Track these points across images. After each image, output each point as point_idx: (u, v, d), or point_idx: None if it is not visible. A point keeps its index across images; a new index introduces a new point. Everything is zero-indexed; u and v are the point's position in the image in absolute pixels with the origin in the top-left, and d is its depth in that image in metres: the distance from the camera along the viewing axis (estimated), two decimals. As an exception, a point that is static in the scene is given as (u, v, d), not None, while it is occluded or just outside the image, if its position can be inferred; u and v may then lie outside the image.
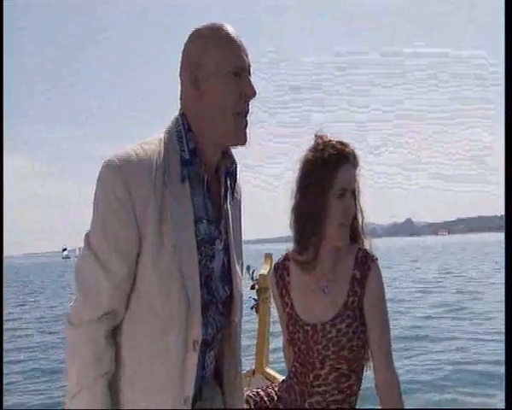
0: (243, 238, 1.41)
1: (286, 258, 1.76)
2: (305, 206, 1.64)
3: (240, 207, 1.39)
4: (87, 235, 1.15)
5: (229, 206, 1.30)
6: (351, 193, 1.62)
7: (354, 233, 1.68)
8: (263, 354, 2.60)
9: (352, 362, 1.61)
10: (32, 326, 14.45)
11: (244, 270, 2.15)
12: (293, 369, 1.72)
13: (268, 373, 2.50)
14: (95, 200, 1.14)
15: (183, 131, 1.20)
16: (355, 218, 1.67)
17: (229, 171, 1.28)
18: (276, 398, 1.77)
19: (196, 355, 1.17)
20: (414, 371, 7.10)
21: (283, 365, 1.91)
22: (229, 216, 1.30)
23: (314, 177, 1.62)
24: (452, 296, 15.60)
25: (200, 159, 1.20)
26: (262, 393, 1.81)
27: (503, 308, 1.66)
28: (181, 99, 1.24)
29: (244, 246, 1.42)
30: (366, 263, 1.63)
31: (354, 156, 1.64)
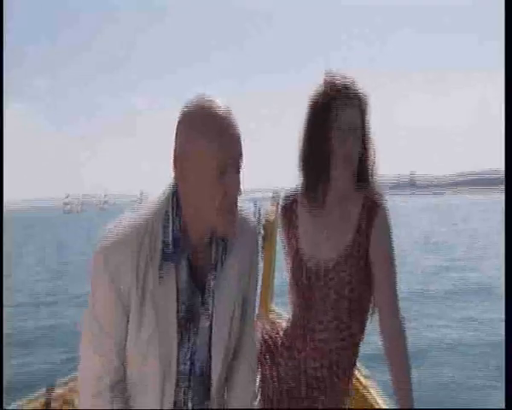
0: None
1: (294, 200, 1.74)
2: (308, 150, 1.62)
3: (242, 261, 1.33)
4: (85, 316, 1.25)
5: (221, 269, 1.28)
6: (353, 136, 1.58)
7: (361, 177, 1.64)
8: (267, 297, 2.60)
9: (353, 311, 1.61)
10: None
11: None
12: (296, 313, 1.72)
13: (272, 315, 2.51)
14: (91, 285, 1.22)
15: (171, 215, 1.21)
16: (363, 162, 1.63)
17: (219, 245, 1.28)
18: (280, 342, 1.77)
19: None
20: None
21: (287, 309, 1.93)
22: (221, 281, 1.28)
23: (316, 120, 1.60)
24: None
25: (184, 242, 1.21)
26: (266, 336, 1.81)
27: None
28: (175, 177, 1.21)
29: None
30: (372, 210, 1.60)
31: (357, 98, 1.59)
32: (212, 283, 1.27)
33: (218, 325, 1.29)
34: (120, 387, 1.24)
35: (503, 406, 1.38)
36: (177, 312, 1.22)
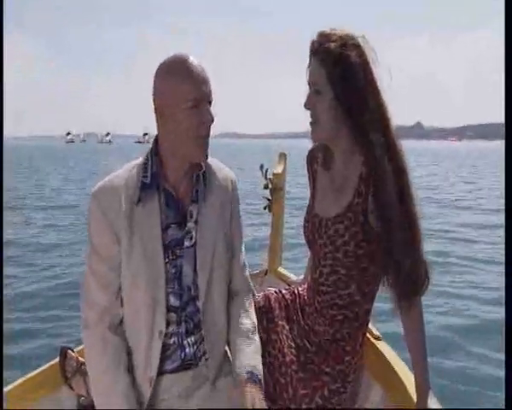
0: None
1: (316, 147, 1.75)
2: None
3: (228, 209, 1.59)
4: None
5: (203, 205, 1.52)
6: (314, 94, 1.54)
7: (359, 138, 1.56)
8: (276, 254, 2.59)
9: (350, 268, 1.59)
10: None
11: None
12: (308, 272, 1.77)
13: (281, 273, 2.50)
14: (87, 221, 1.48)
15: (150, 157, 1.48)
16: (356, 120, 1.53)
17: (198, 177, 1.52)
18: (296, 301, 1.80)
19: (161, 342, 1.46)
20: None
21: (296, 266, 1.90)
22: (201, 215, 1.51)
23: None
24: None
25: (164, 177, 1.47)
26: (284, 291, 1.86)
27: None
28: (156, 123, 1.47)
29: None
30: (370, 176, 1.53)
31: (322, 52, 1.51)
32: (193, 212, 1.50)
33: (202, 246, 1.50)
34: (119, 324, 1.47)
35: (503, 406, 1.37)
36: (163, 238, 1.45)
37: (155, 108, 1.43)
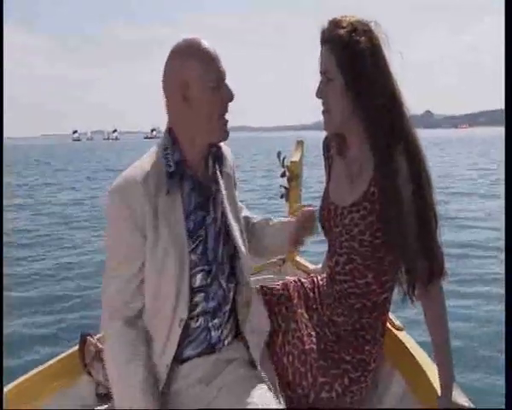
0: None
1: (331, 134, 1.72)
2: None
3: (233, 179, 1.66)
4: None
5: (220, 182, 1.57)
6: (324, 82, 1.52)
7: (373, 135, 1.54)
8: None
9: (367, 258, 1.57)
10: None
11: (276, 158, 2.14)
12: (325, 260, 1.77)
13: (298, 262, 2.48)
14: (107, 221, 1.47)
15: (170, 145, 1.48)
16: (369, 114, 1.51)
17: (216, 155, 1.57)
18: (314, 289, 1.80)
19: (180, 330, 1.46)
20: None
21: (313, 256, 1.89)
22: (222, 190, 1.56)
23: None
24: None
25: (185, 164, 1.48)
26: (303, 279, 1.86)
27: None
28: (168, 113, 1.49)
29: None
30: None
31: (331, 40, 1.50)
32: (213, 190, 1.54)
33: (229, 218, 1.56)
34: (139, 316, 1.47)
35: (503, 406, 1.36)
36: (187, 224, 1.46)
37: (173, 95, 1.44)
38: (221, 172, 1.59)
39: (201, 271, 1.51)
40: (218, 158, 1.58)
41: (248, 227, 1.78)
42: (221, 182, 1.58)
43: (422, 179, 1.49)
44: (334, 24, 1.51)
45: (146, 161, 1.49)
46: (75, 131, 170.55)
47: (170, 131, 1.50)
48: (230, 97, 1.47)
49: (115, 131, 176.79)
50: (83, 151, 58.46)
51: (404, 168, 1.47)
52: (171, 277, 1.44)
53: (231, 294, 1.59)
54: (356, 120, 1.54)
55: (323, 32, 1.53)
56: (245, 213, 1.81)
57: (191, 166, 1.50)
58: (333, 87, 1.52)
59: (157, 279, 1.45)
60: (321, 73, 1.55)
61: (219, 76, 1.44)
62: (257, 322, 1.63)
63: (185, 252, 1.46)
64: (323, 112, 1.57)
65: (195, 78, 1.41)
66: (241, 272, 1.59)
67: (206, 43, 1.43)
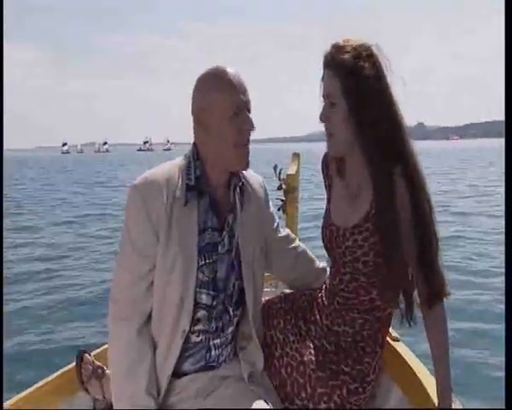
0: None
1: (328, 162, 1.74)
2: None
3: (258, 210, 1.64)
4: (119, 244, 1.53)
5: (239, 214, 1.56)
6: (329, 106, 1.53)
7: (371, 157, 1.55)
8: None
9: (370, 277, 1.58)
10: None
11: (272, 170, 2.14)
12: (327, 266, 1.78)
13: None
14: (125, 216, 1.49)
15: (192, 160, 1.51)
16: (371, 136, 1.52)
17: (236, 187, 1.56)
18: (314, 301, 1.79)
19: (182, 342, 1.48)
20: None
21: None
22: (239, 223, 1.56)
23: None
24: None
25: (205, 181, 1.50)
26: (302, 292, 1.85)
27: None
28: (194, 132, 1.52)
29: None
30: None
31: (336, 65, 1.50)
32: (230, 221, 1.54)
33: (242, 251, 1.56)
34: (147, 320, 1.48)
35: (504, 406, 1.37)
36: (199, 241, 1.48)
37: (196, 119, 1.49)
38: (242, 204, 1.57)
39: (207, 293, 1.52)
40: (240, 190, 1.57)
41: (298, 261, 1.83)
42: (239, 214, 1.57)
43: (422, 203, 1.50)
44: (338, 49, 1.51)
45: (169, 167, 1.52)
46: (65, 144, 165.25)
47: (195, 145, 1.53)
48: (249, 127, 1.48)
49: (105, 143, 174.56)
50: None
51: (403, 192, 1.48)
52: (177, 286, 1.46)
53: (237, 318, 1.61)
54: (357, 143, 1.55)
55: (326, 57, 1.53)
56: (295, 244, 1.84)
57: (211, 185, 1.52)
58: (336, 112, 1.52)
59: (164, 286, 1.47)
60: (323, 96, 1.56)
61: (238, 105, 1.45)
62: (253, 359, 1.62)
63: (193, 265, 1.48)
64: (327, 135, 1.58)
65: (213, 105, 1.44)
66: (248, 309, 1.59)
67: (229, 72, 1.46)
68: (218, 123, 1.44)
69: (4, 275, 6.25)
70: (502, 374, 1.41)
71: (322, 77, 1.56)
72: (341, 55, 1.49)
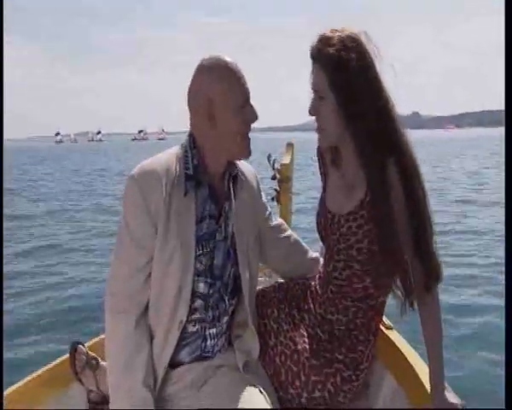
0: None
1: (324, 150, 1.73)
2: None
3: (253, 202, 1.67)
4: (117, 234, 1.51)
5: (233, 203, 1.57)
6: (316, 99, 1.52)
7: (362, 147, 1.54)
8: None
9: (364, 264, 1.58)
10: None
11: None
12: (320, 254, 1.79)
13: None
14: (123, 206, 1.48)
15: (189, 149, 1.50)
16: (361, 126, 1.51)
17: (232, 176, 1.57)
18: (308, 290, 1.79)
19: (179, 332, 1.48)
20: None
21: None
22: (234, 212, 1.57)
23: None
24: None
25: (203, 171, 1.49)
26: (295, 281, 1.86)
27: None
28: (191, 125, 1.51)
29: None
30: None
31: (322, 57, 1.48)
32: (227, 208, 1.55)
33: (239, 240, 1.57)
34: (145, 311, 1.48)
35: (503, 406, 1.38)
36: (196, 230, 1.48)
37: (198, 109, 1.46)
38: (235, 193, 1.59)
39: (205, 281, 1.53)
40: (234, 179, 1.59)
41: (291, 251, 1.84)
42: (233, 202, 1.58)
43: (416, 192, 1.49)
44: (324, 41, 1.48)
45: (167, 157, 1.51)
46: (57, 133, 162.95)
47: (191, 135, 1.52)
48: (254, 118, 1.50)
49: (99, 132, 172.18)
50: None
51: (396, 181, 1.48)
52: (175, 277, 1.46)
53: (232, 307, 1.62)
54: (348, 134, 1.54)
55: (313, 50, 1.51)
56: (288, 233, 1.84)
57: (209, 173, 1.52)
58: (325, 105, 1.51)
59: (162, 277, 1.47)
60: (312, 89, 1.55)
61: (244, 96, 1.47)
62: (248, 347, 1.62)
63: (191, 256, 1.48)
64: (317, 129, 1.57)
65: (221, 97, 1.44)
66: (244, 296, 1.60)
67: (232, 63, 1.46)
68: (225, 114, 1.44)
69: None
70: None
71: (312, 70, 1.54)
72: (327, 49, 1.47)
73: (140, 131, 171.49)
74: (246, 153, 1.53)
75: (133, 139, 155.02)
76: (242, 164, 1.66)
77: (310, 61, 1.53)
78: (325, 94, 1.51)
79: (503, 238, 1.56)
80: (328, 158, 1.72)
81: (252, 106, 1.50)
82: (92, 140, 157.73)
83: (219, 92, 1.43)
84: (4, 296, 5.39)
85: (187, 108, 1.51)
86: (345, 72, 1.46)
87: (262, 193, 1.76)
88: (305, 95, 1.57)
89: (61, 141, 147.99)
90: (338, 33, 1.48)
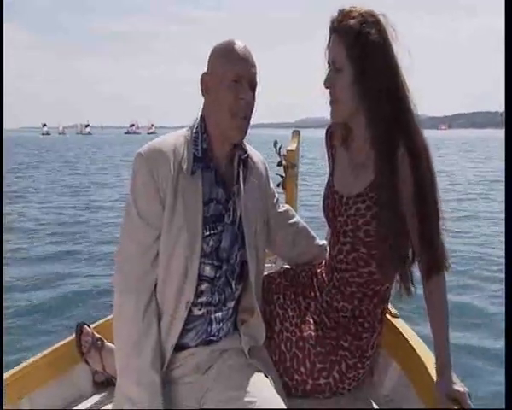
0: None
1: (335, 124, 1.71)
2: None
3: (262, 188, 1.67)
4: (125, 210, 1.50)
5: (242, 187, 1.56)
6: (333, 73, 1.52)
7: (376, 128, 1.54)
8: None
9: (371, 247, 1.58)
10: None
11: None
12: (326, 240, 1.78)
13: None
14: (131, 183, 1.47)
15: (200, 132, 1.51)
16: (376, 107, 1.51)
17: (241, 159, 1.56)
18: (315, 277, 1.80)
19: (186, 313, 1.47)
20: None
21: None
22: (242, 195, 1.56)
23: None
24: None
25: (211, 155, 1.50)
26: (301, 268, 1.86)
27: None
28: (202, 108, 1.54)
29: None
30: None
31: (341, 31, 1.49)
32: (235, 192, 1.54)
33: (247, 224, 1.56)
34: (153, 291, 1.46)
35: (504, 406, 1.37)
36: (203, 211, 1.47)
37: (201, 85, 1.51)
38: (244, 178, 1.58)
39: (211, 264, 1.52)
40: (244, 164, 1.58)
41: (298, 237, 1.84)
42: (242, 188, 1.57)
43: (424, 175, 1.49)
44: (344, 14, 1.50)
45: (175, 137, 1.52)
46: (44, 125, 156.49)
47: (202, 118, 1.54)
48: (246, 98, 1.46)
49: (88, 125, 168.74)
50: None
51: (405, 163, 1.47)
52: (182, 257, 1.45)
53: (238, 292, 1.61)
54: (361, 111, 1.54)
55: (333, 22, 1.52)
56: (295, 219, 1.84)
57: (217, 157, 1.52)
58: (341, 78, 1.51)
59: (168, 258, 1.45)
60: (329, 63, 1.54)
61: (239, 74, 1.46)
62: (254, 332, 1.61)
63: (198, 237, 1.47)
64: (331, 102, 1.56)
65: (217, 70, 1.47)
66: (251, 282, 1.59)
67: (238, 44, 1.48)
68: (216, 87, 1.46)
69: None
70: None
71: (328, 43, 1.55)
72: (348, 21, 1.48)
73: (132, 125, 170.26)
74: (235, 133, 1.49)
75: (126, 132, 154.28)
76: (251, 150, 1.65)
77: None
78: (342, 66, 1.51)
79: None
80: (338, 137, 1.71)
81: (247, 86, 1.47)
82: (81, 133, 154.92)
83: (216, 65, 1.48)
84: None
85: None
86: (364, 44, 1.47)
87: (270, 179, 1.75)
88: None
89: (47, 133, 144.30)
90: (358, 8, 1.51)
